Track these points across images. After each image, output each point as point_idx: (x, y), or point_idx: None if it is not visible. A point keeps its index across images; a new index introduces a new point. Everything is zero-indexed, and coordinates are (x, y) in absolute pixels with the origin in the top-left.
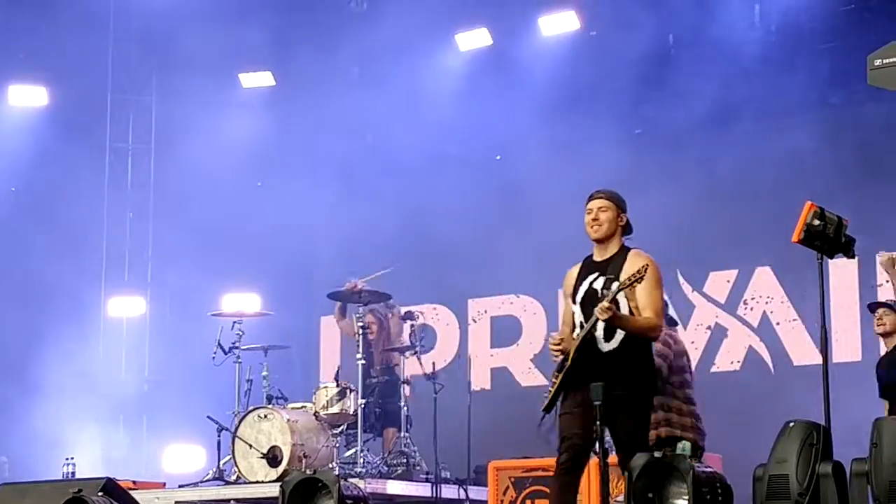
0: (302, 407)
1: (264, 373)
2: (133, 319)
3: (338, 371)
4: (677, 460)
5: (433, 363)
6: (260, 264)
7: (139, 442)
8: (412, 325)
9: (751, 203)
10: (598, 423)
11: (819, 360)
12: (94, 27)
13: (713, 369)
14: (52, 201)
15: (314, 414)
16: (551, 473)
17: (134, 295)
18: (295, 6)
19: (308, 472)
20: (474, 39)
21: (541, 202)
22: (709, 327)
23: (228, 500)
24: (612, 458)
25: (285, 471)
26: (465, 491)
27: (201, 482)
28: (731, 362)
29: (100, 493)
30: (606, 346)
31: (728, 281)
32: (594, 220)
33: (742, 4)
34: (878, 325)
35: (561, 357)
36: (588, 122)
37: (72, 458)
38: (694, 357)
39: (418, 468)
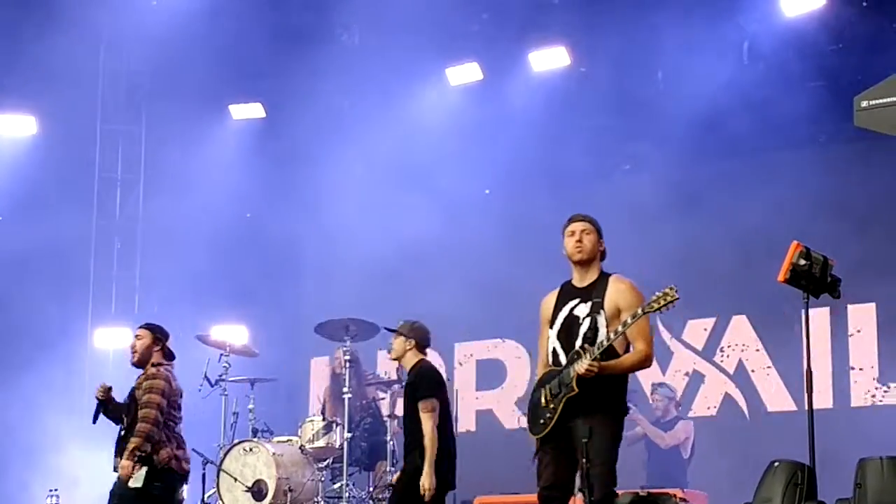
0: (287, 440)
1: (250, 406)
2: (119, 351)
3: (324, 405)
4: (662, 499)
5: None
6: (248, 297)
7: None
8: None
9: (731, 248)
10: (584, 460)
11: (792, 406)
12: (83, 57)
13: (690, 414)
14: (39, 231)
15: (300, 447)
16: None
17: (121, 326)
18: (286, 38)
19: None
20: (465, 74)
21: (530, 237)
22: (686, 373)
23: None
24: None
25: None
26: None
27: None
28: (708, 408)
29: None
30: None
31: (705, 329)
32: (578, 241)
33: (731, 42)
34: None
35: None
36: (577, 158)
37: (56, 490)
38: None
39: None
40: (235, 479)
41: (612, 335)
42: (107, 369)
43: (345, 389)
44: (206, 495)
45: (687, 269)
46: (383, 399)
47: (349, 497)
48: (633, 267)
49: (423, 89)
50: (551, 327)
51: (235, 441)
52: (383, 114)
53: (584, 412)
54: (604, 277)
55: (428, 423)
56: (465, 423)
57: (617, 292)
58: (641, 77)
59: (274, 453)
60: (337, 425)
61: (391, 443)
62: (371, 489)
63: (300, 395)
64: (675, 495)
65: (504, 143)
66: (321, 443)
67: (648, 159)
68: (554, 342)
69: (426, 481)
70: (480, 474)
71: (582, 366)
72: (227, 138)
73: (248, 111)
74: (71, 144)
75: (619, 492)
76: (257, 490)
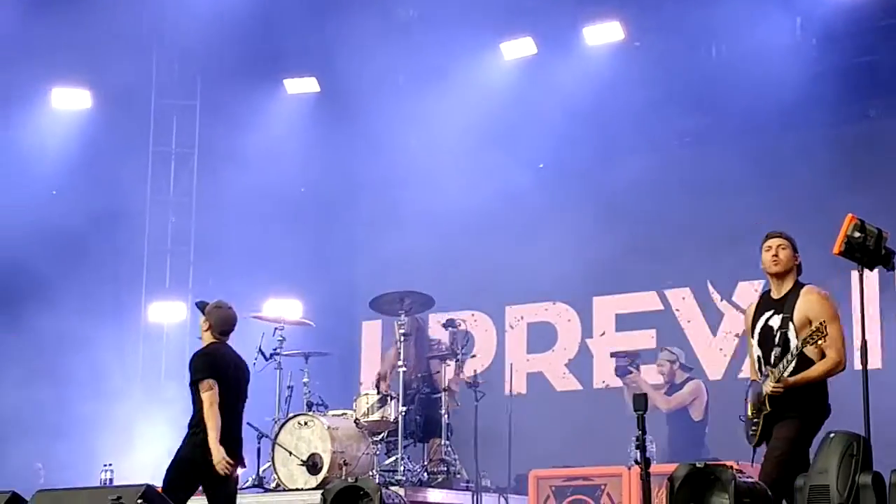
0: (342, 414)
1: (305, 379)
2: (173, 325)
3: (378, 379)
4: (719, 471)
5: (475, 371)
6: (302, 271)
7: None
8: (453, 333)
9: (781, 214)
10: (641, 432)
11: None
12: (138, 30)
13: (741, 375)
14: (93, 204)
15: (354, 421)
16: (592, 482)
17: (175, 300)
18: (341, 12)
19: (350, 479)
20: (519, 48)
21: (581, 210)
22: (737, 335)
23: None
24: (655, 467)
25: (325, 478)
26: (506, 500)
27: (241, 489)
28: None
29: (139, 501)
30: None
31: (755, 290)
32: (774, 255)
33: (784, 17)
34: None
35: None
36: (630, 132)
37: (110, 465)
38: (722, 363)
39: (458, 476)
40: (290, 453)
41: (784, 363)
42: (161, 343)
43: (399, 363)
44: (261, 469)
45: (735, 232)
46: (438, 373)
47: (404, 471)
48: (678, 235)
49: (478, 64)
50: (752, 336)
51: (290, 415)
52: (437, 88)
53: (783, 417)
54: (797, 288)
55: (205, 402)
56: (515, 385)
57: (807, 303)
58: (695, 52)
59: (329, 427)
60: (392, 399)
61: (445, 416)
62: (426, 463)
63: (355, 368)
64: (731, 467)
65: (557, 117)
66: (376, 416)
67: (703, 134)
68: (757, 350)
69: (214, 454)
70: (534, 439)
71: (768, 387)
72: (281, 112)
73: (302, 85)
74: (125, 119)
75: (675, 465)
76: (312, 464)
